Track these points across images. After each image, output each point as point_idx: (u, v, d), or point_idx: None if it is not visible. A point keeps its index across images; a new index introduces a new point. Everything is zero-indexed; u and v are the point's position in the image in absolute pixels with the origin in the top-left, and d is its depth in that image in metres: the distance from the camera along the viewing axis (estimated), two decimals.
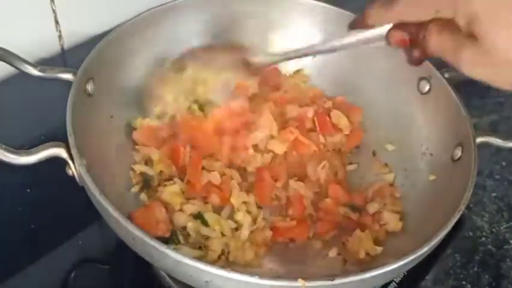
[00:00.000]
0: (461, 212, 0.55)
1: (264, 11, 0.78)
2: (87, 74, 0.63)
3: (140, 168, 0.67)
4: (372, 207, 0.67)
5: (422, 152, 0.71)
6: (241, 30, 0.78)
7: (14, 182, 0.70)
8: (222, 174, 0.67)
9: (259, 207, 0.66)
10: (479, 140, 0.63)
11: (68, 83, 0.61)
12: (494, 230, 0.73)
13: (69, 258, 0.65)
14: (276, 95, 0.77)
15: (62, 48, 0.90)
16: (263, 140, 0.69)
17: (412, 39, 0.50)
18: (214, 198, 0.65)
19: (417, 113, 0.73)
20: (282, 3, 0.78)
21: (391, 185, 0.71)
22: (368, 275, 0.49)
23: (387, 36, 0.52)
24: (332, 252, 0.64)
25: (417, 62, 0.52)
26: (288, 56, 0.63)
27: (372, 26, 0.53)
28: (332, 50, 0.58)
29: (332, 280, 0.48)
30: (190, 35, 0.77)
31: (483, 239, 0.72)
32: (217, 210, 0.65)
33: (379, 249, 0.63)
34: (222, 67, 0.67)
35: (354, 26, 0.55)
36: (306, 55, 0.63)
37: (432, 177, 0.68)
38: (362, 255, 0.63)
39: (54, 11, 0.86)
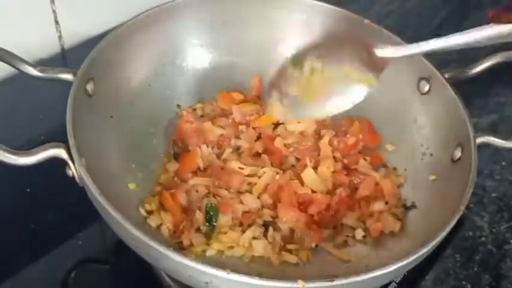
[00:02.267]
0: (461, 213, 0.55)
1: (263, 11, 0.78)
2: (87, 74, 0.63)
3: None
4: (377, 206, 0.67)
5: (422, 152, 0.71)
6: (241, 30, 0.78)
7: (14, 182, 0.70)
8: None
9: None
10: (479, 140, 0.63)
11: (68, 83, 0.61)
12: (494, 230, 0.73)
13: (69, 258, 0.65)
14: None
15: (62, 49, 0.90)
16: None
17: None
18: None
19: (417, 113, 0.73)
20: (282, 2, 0.78)
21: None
22: (367, 275, 0.49)
23: None
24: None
25: None
26: (419, 50, 0.60)
27: None
28: (468, 44, 0.56)
29: (332, 281, 0.48)
30: (190, 35, 0.77)
31: (483, 239, 0.72)
32: None
33: (399, 224, 0.65)
34: (343, 61, 0.63)
35: (499, 20, 0.54)
36: (438, 49, 0.59)
37: (432, 177, 0.68)
38: (386, 230, 0.65)
39: (54, 11, 0.86)
